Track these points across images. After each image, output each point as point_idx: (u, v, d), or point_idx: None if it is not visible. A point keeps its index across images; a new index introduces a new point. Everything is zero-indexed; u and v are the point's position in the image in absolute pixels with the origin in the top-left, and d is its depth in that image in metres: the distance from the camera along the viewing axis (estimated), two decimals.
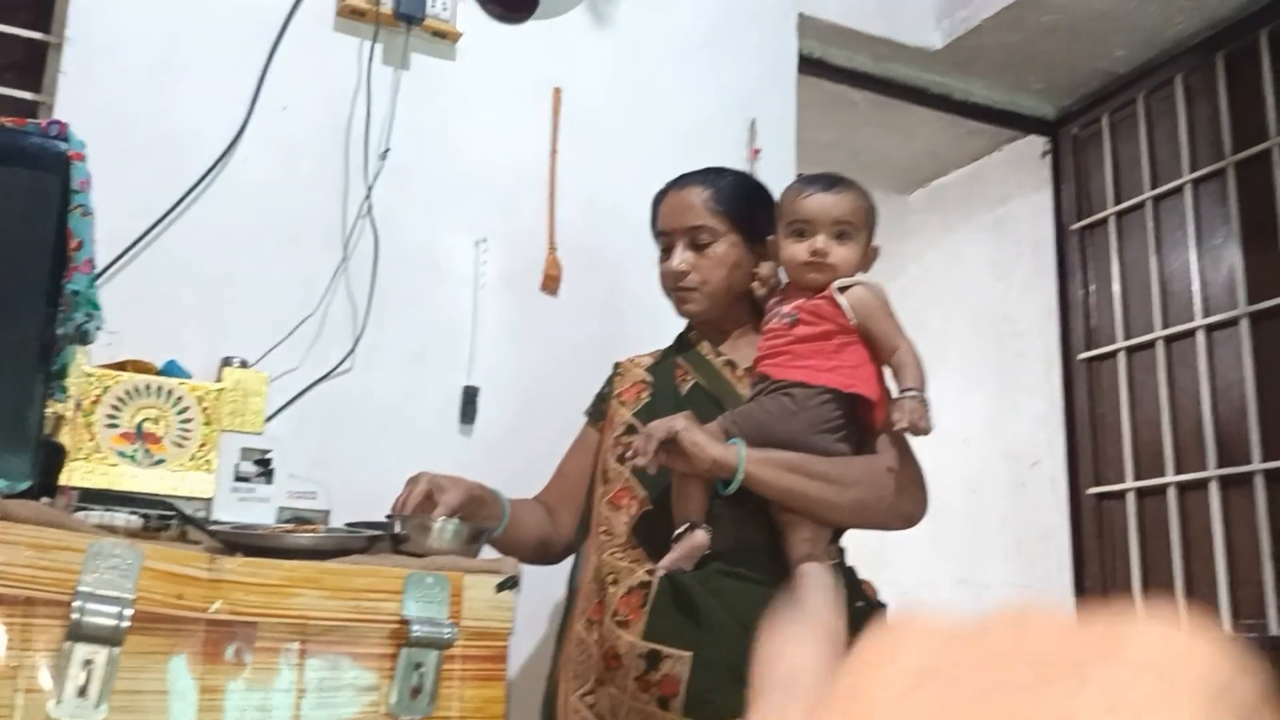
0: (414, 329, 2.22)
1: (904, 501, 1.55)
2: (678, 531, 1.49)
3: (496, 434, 2.24)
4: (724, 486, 1.48)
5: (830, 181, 1.60)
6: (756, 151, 2.63)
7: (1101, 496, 2.99)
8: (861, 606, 1.58)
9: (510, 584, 1.35)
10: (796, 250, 1.58)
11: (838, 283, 1.56)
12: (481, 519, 1.62)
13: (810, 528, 1.51)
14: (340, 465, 2.01)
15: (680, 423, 1.47)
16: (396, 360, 2.20)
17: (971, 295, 3.54)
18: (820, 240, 1.56)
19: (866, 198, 1.61)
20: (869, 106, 3.17)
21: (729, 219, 1.70)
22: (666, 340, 1.84)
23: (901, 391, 1.47)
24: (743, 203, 1.71)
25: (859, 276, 1.58)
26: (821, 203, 1.57)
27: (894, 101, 3.12)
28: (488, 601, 1.33)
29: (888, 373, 1.58)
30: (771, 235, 1.64)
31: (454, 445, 2.21)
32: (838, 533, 1.60)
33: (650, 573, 1.51)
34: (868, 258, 1.62)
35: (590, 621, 1.57)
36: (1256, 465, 2.58)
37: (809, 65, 2.88)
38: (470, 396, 2.22)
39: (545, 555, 1.77)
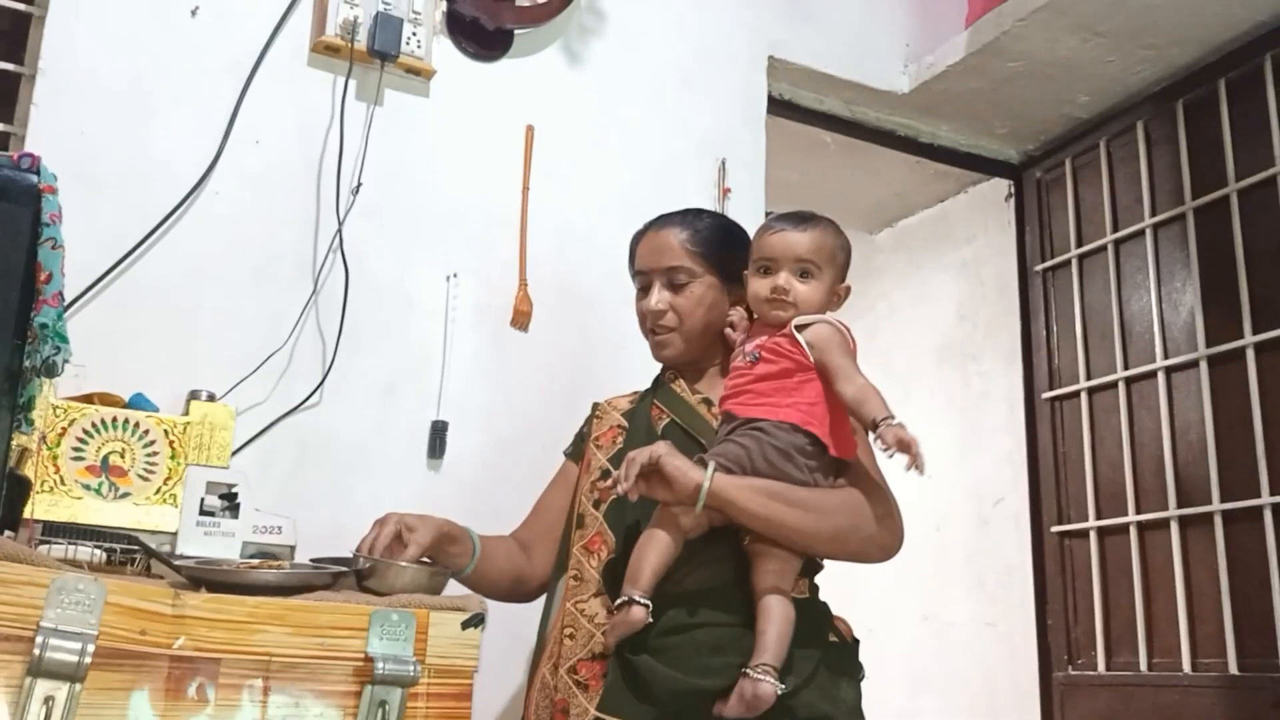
0: (383, 363, 2.23)
1: (882, 533, 1.56)
2: (618, 601, 1.48)
3: (465, 469, 2.24)
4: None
5: (799, 219, 1.61)
6: (727, 191, 2.67)
7: (1064, 535, 3.02)
8: (835, 642, 1.58)
9: (476, 621, 1.35)
10: (760, 287, 1.59)
11: (797, 320, 1.57)
12: (451, 557, 1.62)
13: (778, 560, 1.51)
14: (307, 500, 2.00)
15: (662, 448, 1.47)
16: (365, 394, 2.20)
17: (937, 334, 3.58)
18: (782, 278, 1.57)
19: (835, 236, 1.62)
20: (838, 148, 3.21)
21: (706, 260, 1.72)
22: (636, 377, 1.85)
23: (878, 422, 1.45)
24: (720, 245, 1.73)
25: (825, 315, 1.59)
26: (785, 240, 1.59)
27: (862, 143, 3.17)
28: (453, 639, 1.33)
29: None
30: (745, 270, 1.66)
31: (422, 480, 2.21)
32: (809, 567, 1.60)
33: (605, 635, 1.51)
34: (836, 296, 1.62)
35: (556, 667, 1.57)
36: (1215, 506, 2.62)
37: (779, 107, 2.92)
38: (439, 431, 2.23)
39: (519, 592, 1.76)
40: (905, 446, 1.40)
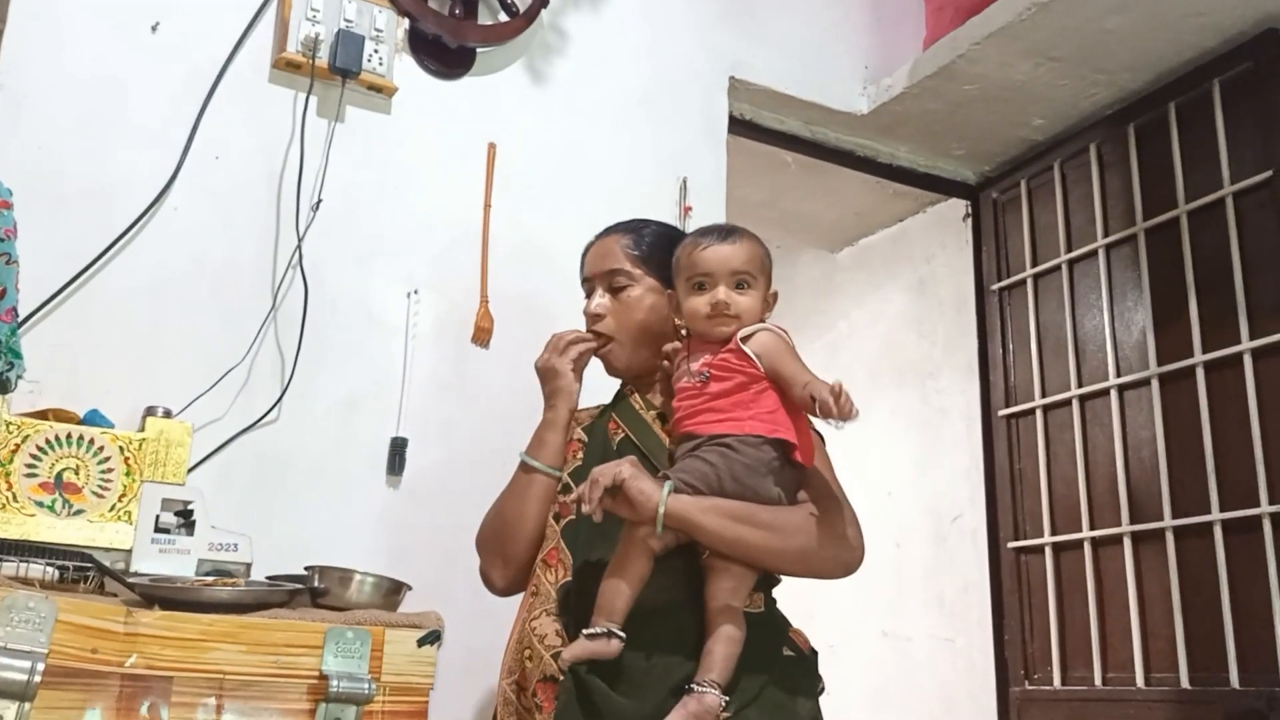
0: (343, 379, 2.22)
1: (844, 549, 1.57)
2: (592, 630, 1.46)
3: (425, 486, 2.24)
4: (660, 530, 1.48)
5: (724, 232, 1.62)
6: (688, 209, 2.69)
7: (1020, 551, 3.06)
8: (791, 656, 1.59)
9: (432, 639, 1.35)
10: (697, 304, 1.59)
11: (741, 332, 1.57)
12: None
13: (734, 577, 1.52)
14: (265, 517, 1.99)
15: (627, 470, 1.47)
16: (324, 410, 2.19)
17: (896, 352, 3.62)
18: (721, 292, 1.58)
19: (761, 245, 1.63)
20: (799, 168, 3.25)
21: (647, 265, 1.73)
22: (596, 394, 1.86)
23: (817, 394, 1.44)
24: (663, 250, 1.73)
25: (764, 323, 1.60)
26: (719, 254, 1.59)
27: (822, 163, 3.20)
28: (409, 656, 1.34)
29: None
30: (670, 290, 1.67)
31: (382, 497, 2.20)
32: (765, 580, 1.61)
33: (558, 656, 1.50)
34: (768, 304, 1.64)
35: (517, 684, 1.57)
36: (1167, 521, 2.66)
37: (740, 126, 2.95)
38: (399, 448, 2.22)
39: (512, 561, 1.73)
40: (836, 394, 1.40)
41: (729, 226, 1.65)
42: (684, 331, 1.68)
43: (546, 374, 1.77)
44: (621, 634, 1.45)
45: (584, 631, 1.46)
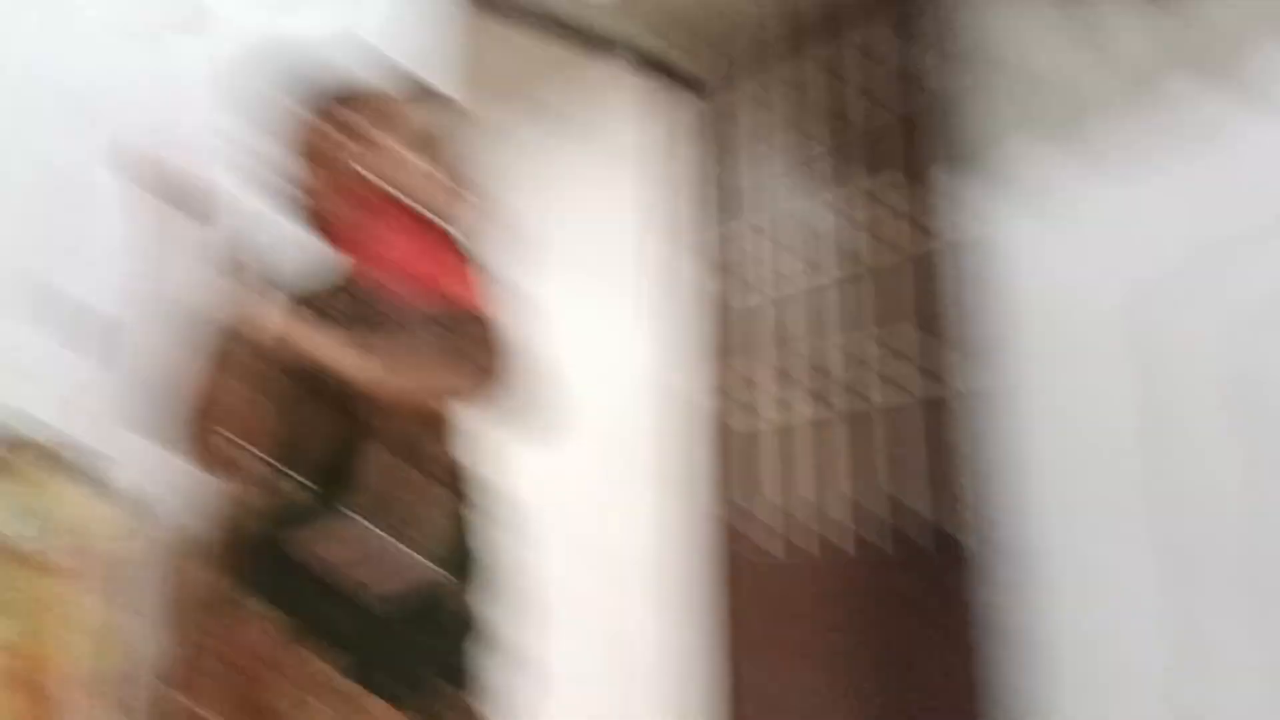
0: None
1: (466, 370, 1.49)
2: None
3: None
4: None
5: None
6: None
7: (738, 429, 3.21)
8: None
9: (105, 491, 1.28)
10: None
11: None
12: None
13: None
14: None
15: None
16: None
17: (620, 238, 3.63)
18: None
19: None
20: (536, 49, 3.21)
21: None
22: None
23: None
24: None
25: None
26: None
27: (562, 45, 3.18)
28: (83, 510, 1.27)
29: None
30: None
31: None
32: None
33: None
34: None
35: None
36: (874, 401, 2.88)
37: (477, 3, 2.87)
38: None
39: None
40: None
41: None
42: None
43: None
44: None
45: None
